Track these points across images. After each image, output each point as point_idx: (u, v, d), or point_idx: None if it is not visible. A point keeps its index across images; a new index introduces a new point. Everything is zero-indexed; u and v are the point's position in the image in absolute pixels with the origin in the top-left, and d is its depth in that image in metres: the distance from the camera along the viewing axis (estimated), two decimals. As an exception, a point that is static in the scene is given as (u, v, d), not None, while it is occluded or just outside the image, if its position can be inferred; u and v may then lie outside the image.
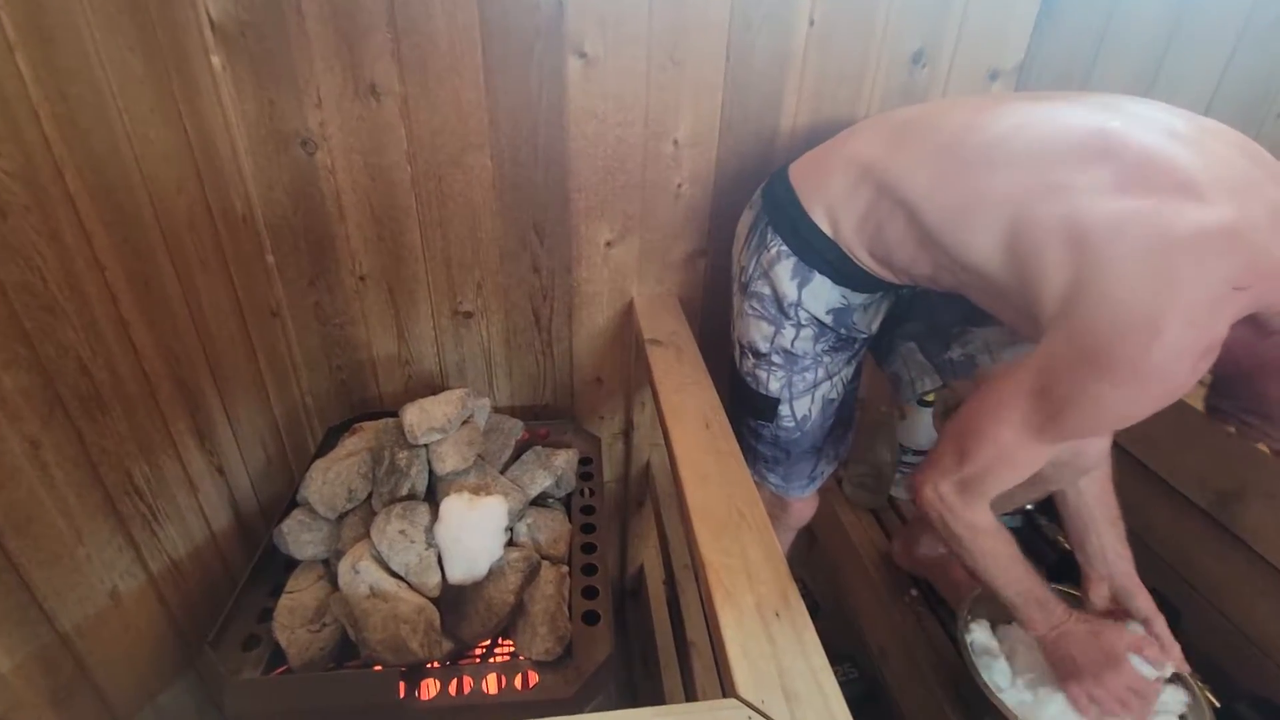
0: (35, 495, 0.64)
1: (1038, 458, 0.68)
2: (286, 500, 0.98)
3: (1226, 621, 0.94)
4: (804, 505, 1.12)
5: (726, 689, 0.55)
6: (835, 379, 0.94)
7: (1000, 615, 0.92)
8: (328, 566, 0.86)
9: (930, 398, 1.24)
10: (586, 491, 1.03)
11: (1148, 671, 0.78)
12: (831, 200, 0.82)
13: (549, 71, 0.99)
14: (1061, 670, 0.79)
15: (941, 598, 1.07)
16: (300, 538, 0.85)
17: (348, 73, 0.97)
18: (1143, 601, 0.84)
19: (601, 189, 1.10)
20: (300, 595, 0.81)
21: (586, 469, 1.07)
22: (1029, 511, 1.20)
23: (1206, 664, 0.90)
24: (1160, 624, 0.82)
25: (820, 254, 0.83)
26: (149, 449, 0.80)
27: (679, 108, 1.04)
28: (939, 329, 0.92)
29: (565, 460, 0.99)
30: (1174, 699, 0.80)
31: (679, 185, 1.11)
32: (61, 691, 0.67)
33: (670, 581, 1.15)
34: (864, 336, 0.92)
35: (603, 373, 1.28)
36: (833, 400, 0.95)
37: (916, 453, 1.26)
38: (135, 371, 0.78)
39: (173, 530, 0.84)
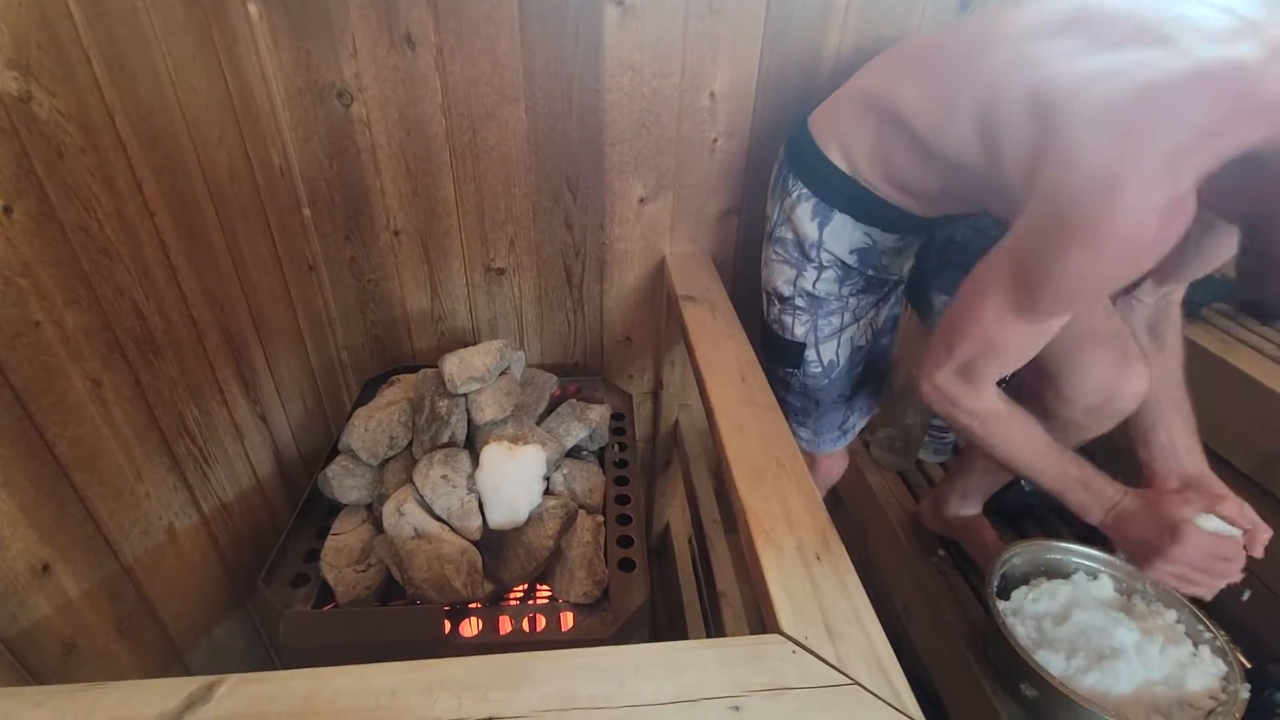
0: (98, 432, 0.66)
1: (1024, 338, 0.67)
2: (325, 449, 1.00)
3: (1261, 585, 0.94)
4: (833, 462, 1.12)
5: (769, 625, 0.56)
6: (863, 322, 0.94)
7: (1030, 576, 0.93)
8: (370, 511, 0.88)
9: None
10: (619, 446, 1.04)
11: (1225, 529, 0.72)
12: (844, 136, 0.83)
13: (585, 21, 0.98)
14: (1133, 554, 0.75)
15: (970, 559, 1.07)
16: (344, 483, 0.87)
17: (383, 22, 0.96)
18: (1215, 481, 0.78)
19: (635, 143, 1.08)
20: (345, 537, 0.83)
21: (619, 424, 1.08)
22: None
23: (1239, 626, 0.90)
24: (1236, 504, 0.75)
25: (838, 191, 0.84)
26: (199, 394, 0.82)
27: (716, 58, 1.02)
28: None
29: (599, 414, 1.00)
30: (1209, 669, 0.79)
31: (714, 140, 1.09)
32: (125, 620, 0.70)
33: (699, 537, 1.16)
34: (894, 279, 0.91)
35: (632, 331, 1.29)
36: (861, 347, 0.95)
37: (947, 415, 1.26)
38: (185, 318, 0.79)
39: (221, 473, 0.87)
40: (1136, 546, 0.74)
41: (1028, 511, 1.14)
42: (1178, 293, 0.84)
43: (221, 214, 0.87)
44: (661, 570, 1.45)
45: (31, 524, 0.58)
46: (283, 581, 0.80)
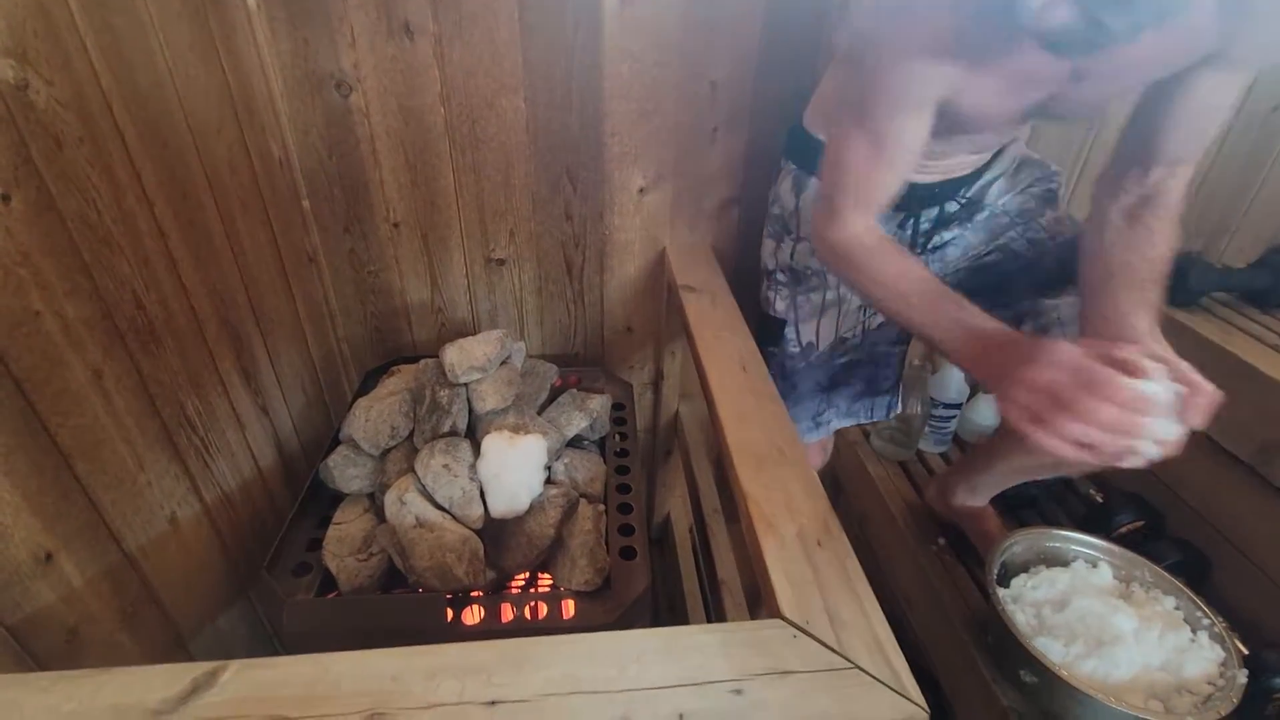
0: (100, 422, 0.66)
1: (873, 149, 0.66)
2: (325, 439, 1.01)
3: (1259, 571, 0.94)
4: (810, 454, 1.12)
5: (770, 610, 0.56)
6: (847, 309, 0.94)
7: (1030, 564, 0.93)
8: (372, 500, 0.88)
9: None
10: (619, 435, 1.04)
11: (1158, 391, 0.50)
12: (819, 102, 0.86)
13: (585, 9, 0.97)
14: (987, 384, 0.60)
15: (970, 547, 1.08)
16: (346, 472, 0.88)
17: (381, 10, 0.95)
18: (1144, 322, 0.64)
19: (636, 133, 1.08)
20: (348, 526, 0.84)
21: (620, 414, 1.08)
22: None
23: (1237, 613, 0.90)
24: (1165, 350, 0.62)
25: (812, 156, 0.85)
26: (199, 385, 0.82)
27: (716, 47, 1.02)
28: (1007, 301, 0.89)
29: (600, 404, 1.00)
30: (1207, 654, 0.79)
31: (714, 129, 1.09)
32: (129, 608, 0.70)
33: (700, 526, 1.17)
34: None
35: (633, 322, 1.29)
36: (846, 339, 0.95)
37: (947, 406, 1.26)
38: (185, 308, 0.79)
39: (223, 463, 0.87)
40: (991, 373, 0.58)
41: (1030, 502, 1.14)
42: (1172, 183, 0.69)
43: (221, 205, 0.87)
44: (662, 559, 1.46)
45: (34, 512, 0.58)
46: (285, 570, 0.81)
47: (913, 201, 0.84)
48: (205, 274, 0.83)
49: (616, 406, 1.09)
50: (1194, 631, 0.82)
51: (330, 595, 0.78)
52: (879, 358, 1.00)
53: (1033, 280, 0.81)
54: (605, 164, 1.10)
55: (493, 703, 0.48)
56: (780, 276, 0.94)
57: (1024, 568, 0.93)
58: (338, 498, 0.90)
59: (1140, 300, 0.66)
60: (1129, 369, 0.50)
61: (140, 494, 0.72)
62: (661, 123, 1.07)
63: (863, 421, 1.08)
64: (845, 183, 0.69)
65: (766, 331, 0.99)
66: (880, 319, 0.96)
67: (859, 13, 0.66)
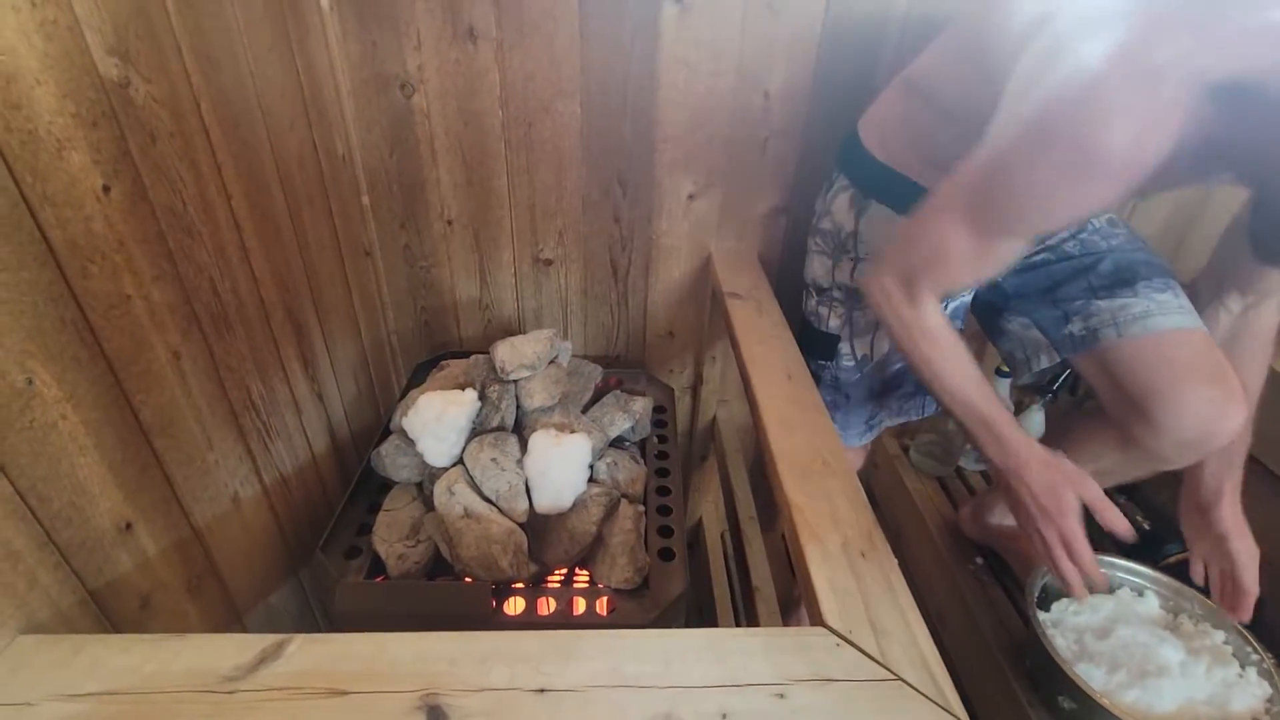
0: (176, 401, 0.70)
1: (977, 254, 0.64)
2: (374, 429, 1.04)
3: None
4: (852, 456, 1.12)
5: (812, 618, 0.57)
6: None
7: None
8: (420, 489, 0.91)
9: (1006, 368, 1.21)
10: (659, 438, 1.06)
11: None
12: (884, 128, 0.85)
13: (644, 17, 0.99)
14: (1011, 505, 0.72)
15: (1008, 569, 1.06)
16: (396, 461, 0.91)
17: (447, 15, 0.99)
18: (1222, 514, 0.76)
19: (687, 140, 1.09)
20: (397, 513, 0.87)
21: (660, 417, 1.10)
22: (1107, 490, 1.17)
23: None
24: (1238, 541, 0.74)
25: (874, 179, 0.85)
26: (264, 370, 0.86)
27: (773, 58, 1.03)
28: (1056, 302, 0.88)
29: (642, 406, 1.02)
30: (1255, 690, 0.77)
31: (766, 139, 1.10)
32: (195, 580, 0.74)
33: (735, 533, 1.17)
34: None
35: (675, 326, 1.30)
36: None
37: (990, 423, 1.24)
38: (254, 297, 0.83)
39: (281, 447, 0.91)
40: (1015, 498, 0.70)
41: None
42: (1267, 308, 0.77)
43: (289, 198, 0.91)
44: (693, 563, 1.46)
45: (118, 484, 0.62)
46: (337, 552, 0.84)
47: None
48: (273, 264, 0.87)
49: (657, 409, 1.10)
50: (1242, 667, 0.80)
51: (378, 579, 0.81)
52: None
53: (1085, 282, 0.80)
54: (656, 170, 1.12)
55: (541, 690, 0.50)
56: (837, 294, 0.93)
57: (1064, 593, 0.91)
58: (387, 485, 0.93)
59: (1226, 463, 0.77)
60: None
61: (209, 472, 0.75)
62: (714, 131, 1.08)
63: (914, 419, 1.07)
64: (934, 271, 0.66)
65: (817, 346, 0.98)
66: None
67: (1056, 112, 0.52)
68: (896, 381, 1.01)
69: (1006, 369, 1.20)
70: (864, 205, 0.87)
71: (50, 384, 0.54)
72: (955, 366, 0.70)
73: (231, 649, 0.52)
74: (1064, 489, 0.68)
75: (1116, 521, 0.67)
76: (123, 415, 0.62)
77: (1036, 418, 1.22)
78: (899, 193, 0.83)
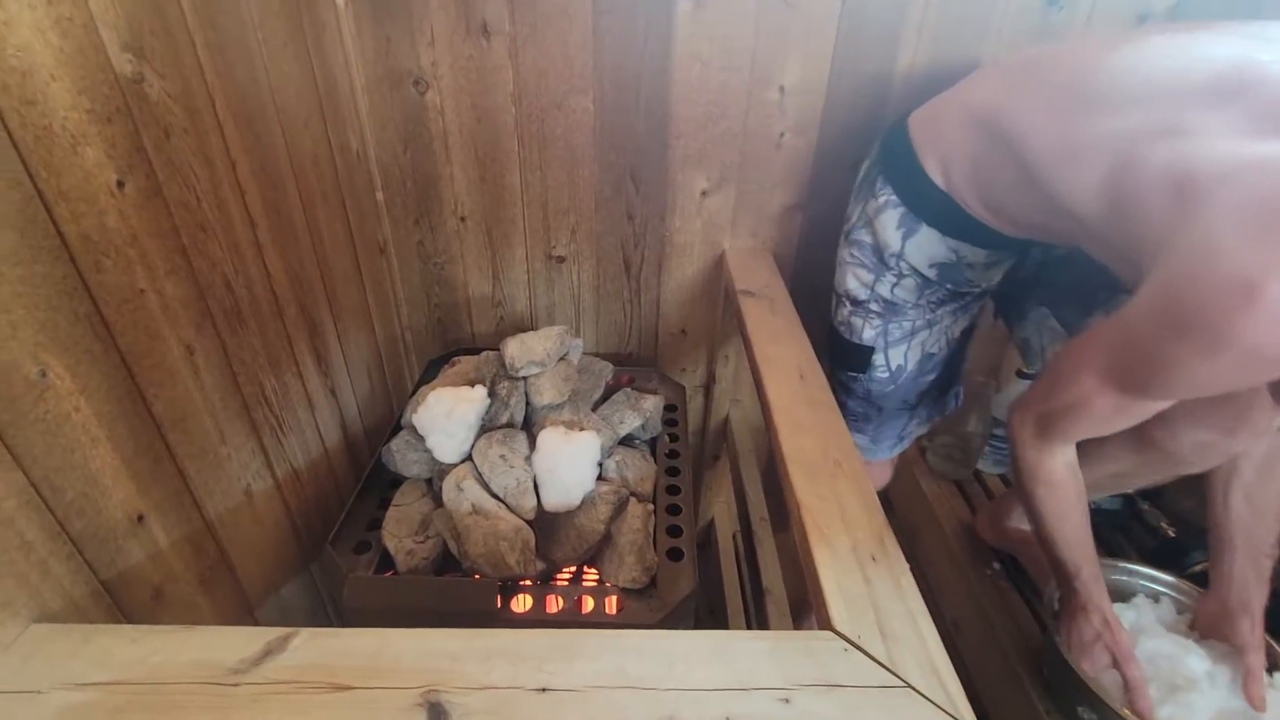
0: (189, 395, 0.71)
1: (1115, 411, 0.64)
2: (387, 424, 1.04)
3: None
4: (880, 470, 1.10)
5: (820, 622, 0.56)
6: (936, 329, 0.91)
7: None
8: (430, 485, 0.91)
9: (1031, 370, 1.18)
10: (670, 437, 1.05)
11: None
12: (946, 148, 0.79)
13: (657, 13, 0.98)
14: (1066, 620, 0.81)
15: (1026, 575, 1.04)
16: (407, 457, 0.91)
17: (461, 11, 0.99)
18: (1245, 626, 0.78)
19: (701, 136, 1.08)
20: (406, 509, 0.87)
21: (671, 415, 1.09)
22: (1129, 495, 1.14)
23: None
24: (1255, 656, 0.76)
25: (930, 204, 0.81)
26: (277, 365, 0.86)
27: (788, 52, 1.01)
28: (1081, 294, 0.87)
29: (653, 405, 1.01)
30: None
31: (781, 135, 1.08)
32: (207, 572, 0.75)
33: (746, 533, 1.16)
34: (977, 291, 0.88)
35: (688, 325, 1.29)
36: (932, 354, 0.93)
37: (1009, 425, 1.21)
38: (267, 292, 0.84)
39: (294, 441, 0.91)
40: (1075, 623, 0.79)
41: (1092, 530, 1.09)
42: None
43: (303, 195, 0.91)
44: (704, 563, 1.45)
45: (131, 476, 0.63)
46: (347, 547, 0.84)
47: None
48: (287, 260, 0.88)
49: (668, 408, 1.10)
50: (1271, 674, 0.77)
51: (387, 574, 0.82)
52: (954, 358, 0.98)
53: (1112, 277, 0.78)
54: (669, 166, 1.11)
55: (543, 689, 0.49)
56: (874, 307, 0.91)
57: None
58: (397, 480, 0.94)
59: (1257, 573, 0.79)
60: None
61: (221, 465, 0.76)
62: (727, 127, 1.07)
63: (937, 419, 1.06)
64: (1080, 420, 0.67)
65: (848, 357, 0.96)
66: (964, 326, 0.94)
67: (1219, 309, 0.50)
68: (929, 389, 0.99)
69: (1028, 371, 1.17)
70: (914, 228, 0.83)
71: (64, 376, 0.55)
72: (1069, 517, 0.75)
73: (238, 641, 0.52)
74: (1101, 653, 0.76)
75: (1142, 702, 0.74)
76: (136, 408, 0.63)
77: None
78: (955, 222, 0.81)
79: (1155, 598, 0.88)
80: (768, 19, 0.98)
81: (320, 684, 0.49)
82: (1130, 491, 1.13)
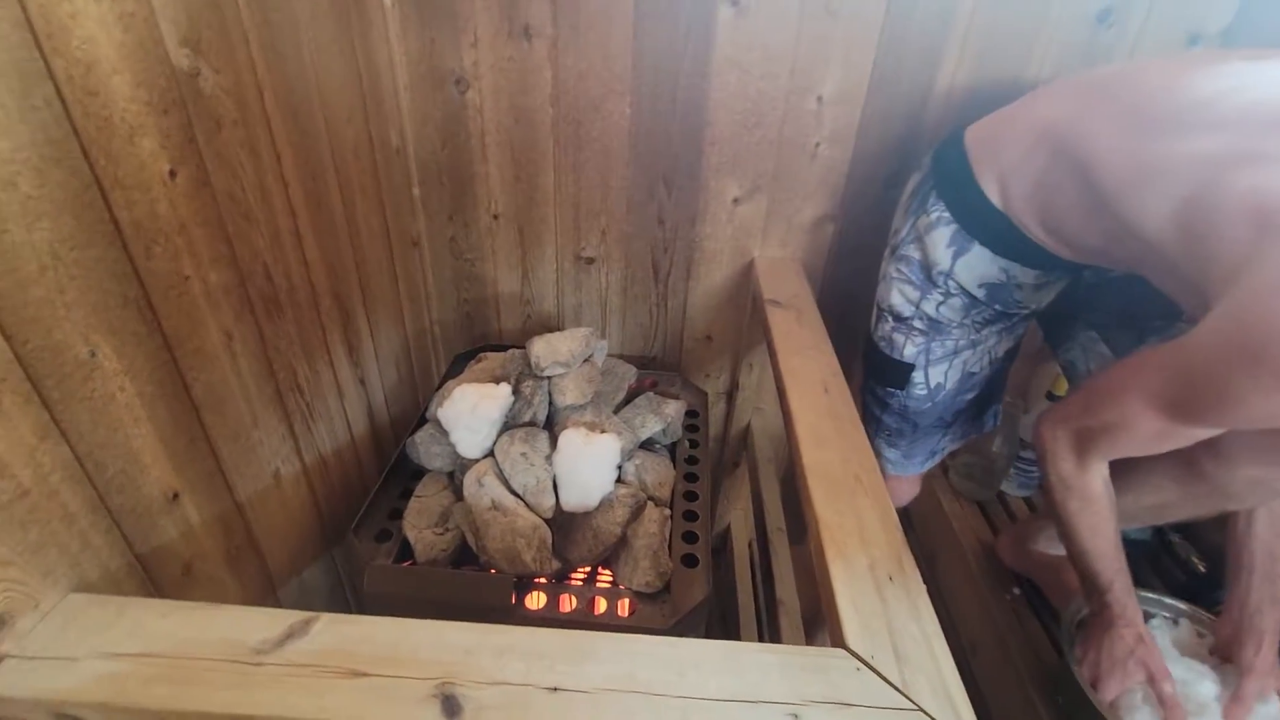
0: (226, 380, 0.73)
1: (1157, 435, 0.63)
2: (412, 415, 1.06)
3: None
4: (907, 485, 1.09)
5: (833, 639, 0.56)
6: (979, 349, 0.90)
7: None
8: (451, 479, 0.93)
9: (1060, 391, 1.16)
10: (690, 443, 1.05)
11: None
12: (1005, 167, 0.77)
13: (699, 19, 0.98)
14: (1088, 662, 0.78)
15: (1046, 601, 1.02)
16: (430, 449, 0.92)
17: (504, 13, 1.00)
18: (1250, 651, 0.76)
19: (735, 143, 1.08)
20: (428, 500, 0.88)
21: (692, 421, 1.09)
22: (1160, 527, 1.11)
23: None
24: (1252, 681, 0.74)
25: (984, 224, 0.80)
26: (310, 353, 0.89)
27: (828, 61, 1.01)
28: (1133, 319, 0.85)
29: (675, 410, 1.01)
30: None
31: (817, 144, 1.08)
32: (234, 551, 0.77)
33: (762, 543, 1.16)
34: (1025, 313, 0.87)
35: (714, 331, 1.29)
36: (973, 374, 0.92)
37: (1037, 448, 1.19)
38: (305, 282, 0.86)
39: (323, 428, 0.94)
40: (1092, 656, 0.77)
41: (1119, 560, 1.07)
42: None
43: (343, 188, 0.94)
44: (719, 570, 1.45)
45: (168, 455, 0.65)
46: (369, 534, 0.86)
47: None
48: (324, 251, 0.90)
49: (690, 413, 1.10)
50: None
51: (407, 563, 0.83)
52: (996, 376, 0.97)
53: (1168, 303, 0.76)
54: (702, 172, 1.11)
55: (554, 689, 0.50)
56: (918, 324, 0.89)
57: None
58: (420, 472, 0.95)
59: (1271, 595, 0.77)
60: None
61: (253, 449, 0.78)
62: (763, 135, 1.07)
63: (973, 437, 1.05)
64: (1118, 440, 0.66)
65: (887, 373, 0.95)
66: (1008, 346, 0.93)
67: None
68: (965, 407, 0.97)
69: (1058, 393, 1.15)
70: (966, 246, 0.82)
71: (111, 357, 0.57)
72: (1102, 531, 0.73)
73: (261, 622, 0.54)
74: (1135, 668, 0.73)
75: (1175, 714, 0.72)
76: (175, 390, 0.65)
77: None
78: (1009, 242, 0.79)
79: (1175, 621, 0.86)
80: (809, 27, 0.98)
81: (339, 669, 0.50)
82: (1168, 524, 1.10)
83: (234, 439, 0.75)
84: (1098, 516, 0.73)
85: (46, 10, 0.49)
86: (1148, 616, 0.87)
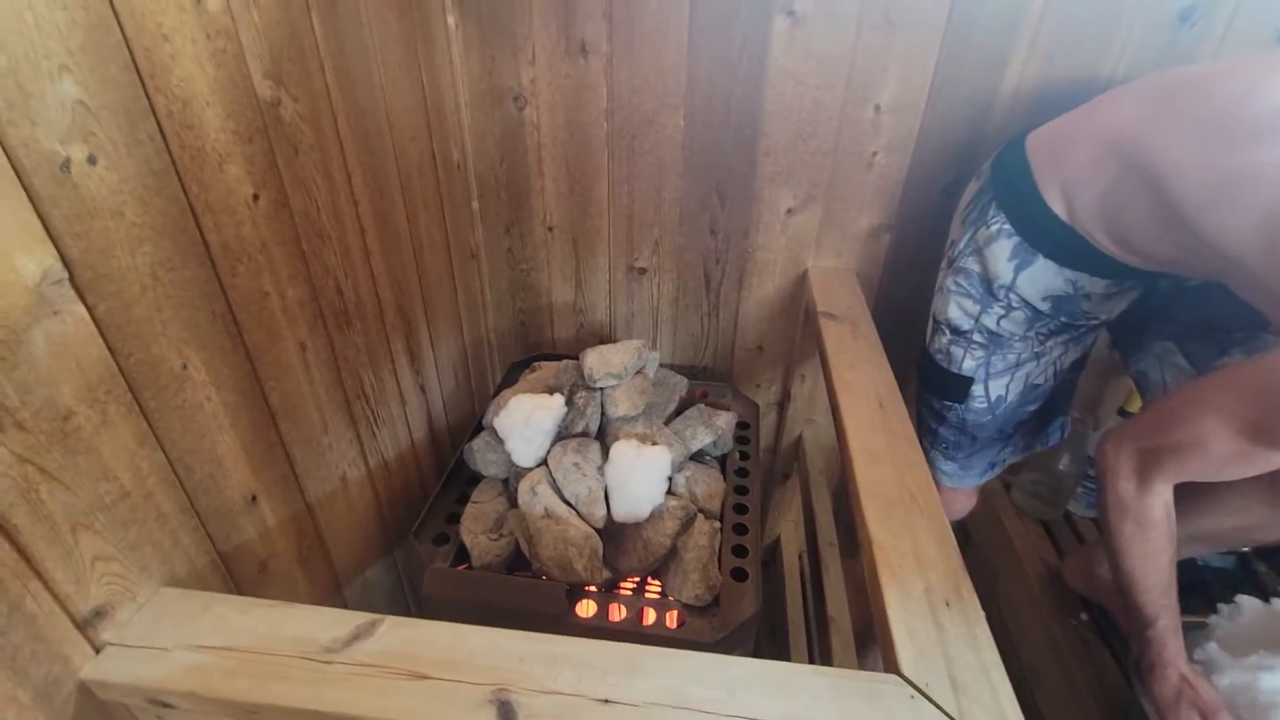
0: (300, 389, 0.77)
1: (1233, 458, 0.60)
2: (469, 422, 1.10)
3: None
4: (964, 498, 1.06)
5: (886, 664, 0.55)
6: (1043, 361, 0.87)
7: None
8: (506, 486, 0.96)
9: (1133, 407, 1.10)
10: (740, 455, 1.05)
11: None
12: (1070, 176, 0.74)
13: (753, 31, 0.98)
14: (1146, 673, 0.75)
15: (1116, 628, 0.97)
16: (486, 457, 0.95)
17: (562, 31, 1.02)
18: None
19: (790, 154, 1.08)
20: (483, 506, 0.91)
21: (743, 433, 1.09)
22: (1244, 553, 1.04)
23: None
24: None
25: (1048, 236, 0.77)
26: (376, 363, 0.93)
27: (886, 70, 0.99)
28: (1213, 330, 0.81)
29: (725, 421, 1.01)
30: None
31: (874, 154, 1.06)
32: (305, 551, 0.82)
33: (813, 558, 1.14)
34: (1095, 323, 0.83)
35: (765, 342, 1.28)
36: (1037, 385, 0.88)
37: (1108, 468, 1.13)
38: (372, 295, 0.90)
39: (386, 435, 0.98)
40: (1152, 699, 0.74)
41: (1199, 588, 1.01)
42: None
43: (408, 204, 0.98)
44: (768, 583, 1.44)
45: (248, 460, 0.69)
46: (427, 538, 0.89)
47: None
48: (390, 265, 0.94)
49: (741, 425, 1.10)
50: None
51: (463, 567, 0.86)
52: (1063, 389, 0.93)
53: (1251, 314, 0.72)
54: (756, 183, 1.11)
55: (606, 700, 0.51)
56: (978, 338, 0.87)
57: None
58: (476, 478, 0.99)
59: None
60: None
61: (322, 454, 0.83)
62: (819, 145, 1.06)
63: (1037, 450, 1.01)
64: (1189, 462, 0.64)
65: (945, 386, 0.93)
66: (1075, 358, 0.90)
67: None
68: (1027, 419, 0.94)
69: (1131, 410, 1.09)
70: (1028, 259, 0.79)
71: (200, 369, 0.62)
72: (1155, 560, 0.71)
73: (331, 622, 0.57)
74: (1188, 712, 0.70)
75: None
76: (255, 399, 0.70)
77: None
78: (1076, 253, 0.76)
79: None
80: (868, 36, 0.96)
81: (401, 671, 0.53)
82: (1246, 550, 1.03)
83: (306, 444, 0.80)
84: (1153, 544, 0.70)
85: (150, 52, 0.53)
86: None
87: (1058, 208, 0.75)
